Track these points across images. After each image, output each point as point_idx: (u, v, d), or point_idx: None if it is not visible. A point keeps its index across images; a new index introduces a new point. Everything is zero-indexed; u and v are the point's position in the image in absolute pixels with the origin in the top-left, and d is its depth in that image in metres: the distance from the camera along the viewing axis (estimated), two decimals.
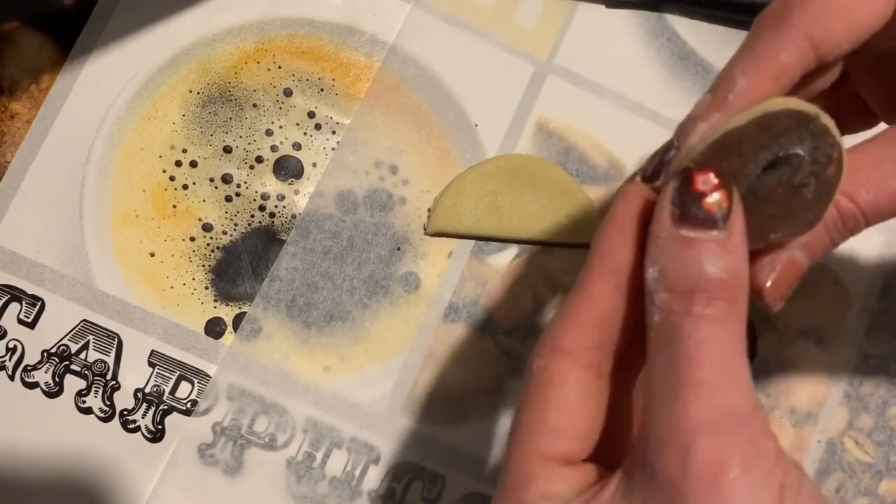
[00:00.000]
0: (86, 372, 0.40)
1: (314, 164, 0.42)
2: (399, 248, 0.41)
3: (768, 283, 0.23)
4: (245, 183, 0.41)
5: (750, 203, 0.22)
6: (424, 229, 0.41)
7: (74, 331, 0.40)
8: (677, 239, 0.21)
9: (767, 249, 0.24)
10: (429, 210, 0.41)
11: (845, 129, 0.24)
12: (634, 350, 0.23)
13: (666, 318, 0.20)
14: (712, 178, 0.21)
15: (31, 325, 0.40)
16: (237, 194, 0.41)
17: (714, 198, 0.21)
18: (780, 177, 0.22)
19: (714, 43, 0.43)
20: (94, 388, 0.40)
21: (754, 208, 0.22)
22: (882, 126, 0.26)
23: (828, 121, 0.23)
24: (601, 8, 0.43)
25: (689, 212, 0.21)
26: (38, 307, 0.40)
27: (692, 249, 0.21)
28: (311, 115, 0.42)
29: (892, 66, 0.26)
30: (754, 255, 0.24)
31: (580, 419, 0.22)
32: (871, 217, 0.24)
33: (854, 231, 0.24)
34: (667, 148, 0.24)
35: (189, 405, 0.40)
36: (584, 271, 0.23)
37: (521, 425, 0.22)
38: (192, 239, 0.41)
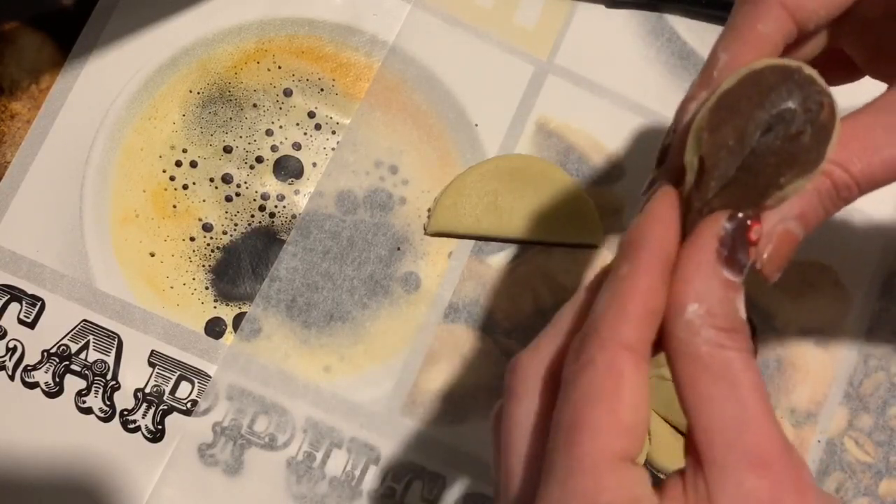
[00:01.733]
0: (86, 372, 0.40)
1: (314, 164, 0.42)
2: (399, 248, 0.41)
3: (765, 255, 0.23)
4: (245, 183, 0.41)
5: (752, 161, 0.23)
6: (424, 229, 0.41)
7: (74, 331, 0.40)
8: (723, 281, 0.21)
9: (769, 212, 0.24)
10: (429, 210, 0.41)
11: (830, 82, 0.24)
12: None
13: (718, 353, 0.21)
14: (759, 231, 0.22)
15: (31, 325, 0.40)
16: (237, 194, 0.41)
17: (756, 250, 0.22)
18: (777, 133, 0.23)
19: (714, 43, 0.43)
20: (94, 388, 0.40)
21: (758, 163, 0.23)
22: (871, 93, 0.26)
23: (810, 70, 0.23)
24: (601, 8, 0.43)
25: (737, 258, 0.21)
26: (38, 307, 0.40)
27: (736, 293, 0.21)
28: (311, 115, 0.42)
29: (876, 31, 0.26)
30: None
31: (646, 416, 0.21)
32: (865, 185, 0.23)
33: (847, 200, 0.24)
34: (667, 133, 0.24)
35: (189, 405, 0.40)
36: (629, 263, 0.22)
37: (584, 425, 0.20)
38: (192, 239, 0.41)
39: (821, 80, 0.23)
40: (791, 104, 0.23)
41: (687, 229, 0.23)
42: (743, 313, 0.21)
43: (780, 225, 0.23)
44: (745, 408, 0.20)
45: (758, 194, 0.23)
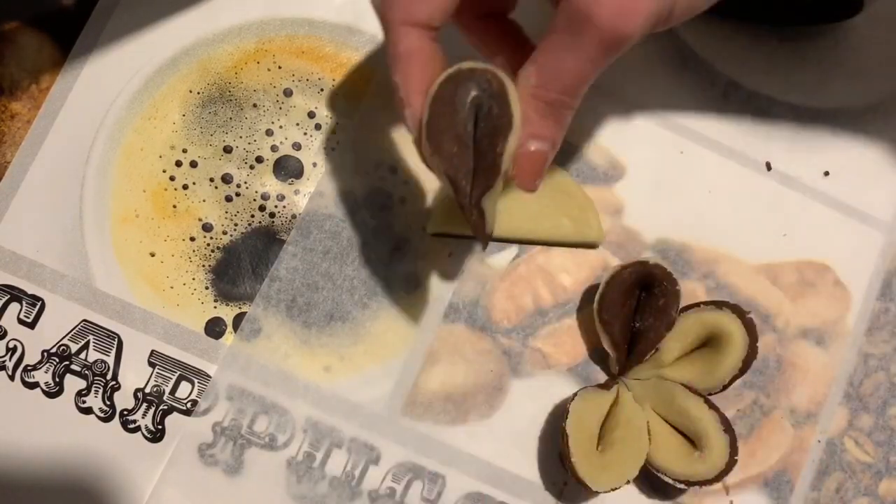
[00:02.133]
0: (86, 372, 0.40)
1: (314, 164, 0.41)
2: (399, 249, 0.41)
3: (515, 175, 0.29)
4: (245, 183, 0.41)
5: (476, 152, 0.29)
6: (424, 229, 0.41)
7: (74, 331, 0.39)
8: None
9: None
10: (429, 210, 0.41)
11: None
12: None
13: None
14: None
15: (31, 325, 0.39)
16: (237, 194, 0.41)
17: None
18: (480, 121, 0.29)
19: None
20: (94, 388, 0.39)
21: (480, 149, 0.29)
22: None
23: (467, 64, 0.29)
24: None
25: None
26: (38, 307, 0.40)
27: None
28: (311, 115, 0.42)
29: None
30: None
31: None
32: (572, 99, 0.28)
33: (570, 107, 0.29)
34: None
35: (189, 405, 0.39)
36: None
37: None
38: (192, 239, 0.41)
39: (478, 64, 0.29)
40: (473, 93, 0.28)
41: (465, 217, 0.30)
42: None
43: (520, 148, 0.29)
44: None
45: (494, 168, 0.29)
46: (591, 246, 0.41)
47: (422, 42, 0.28)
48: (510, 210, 0.40)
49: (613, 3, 0.26)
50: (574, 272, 0.41)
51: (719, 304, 0.37)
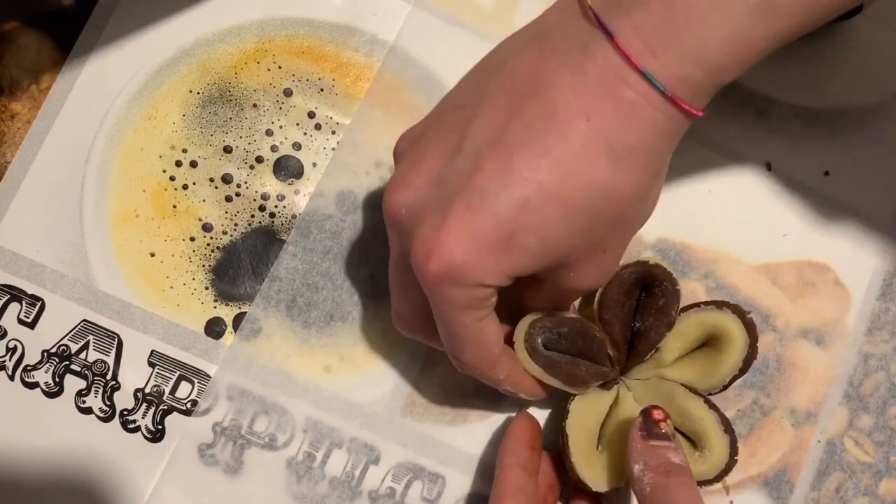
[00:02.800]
0: (86, 372, 0.39)
1: (314, 164, 0.41)
2: None
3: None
4: (245, 183, 0.41)
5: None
6: None
7: (74, 331, 0.39)
8: (650, 446, 0.33)
9: None
10: None
11: None
12: None
13: (656, 488, 0.32)
14: (661, 413, 0.34)
15: (31, 325, 0.39)
16: (237, 194, 0.41)
17: (667, 425, 0.34)
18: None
19: None
20: (94, 388, 0.39)
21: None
22: None
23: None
24: None
25: (654, 432, 0.34)
26: (38, 307, 0.39)
27: (662, 450, 0.33)
28: (311, 115, 0.41)
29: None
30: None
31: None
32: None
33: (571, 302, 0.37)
34: None
35: (189, 405, 0.39)
36: (500, 468, 0.36)
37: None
38: (192, 239, 0.40)
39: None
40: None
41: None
42: (676, 459, 0.33)
43: None
44: None
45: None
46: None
47: (507, 356, 0.35)
48: None
49: (599, 276, 0.33)
50: None
51: (720, 305, 0.37)
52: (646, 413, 0.34)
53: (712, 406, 0.37)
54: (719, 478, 0.36)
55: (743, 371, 0.37)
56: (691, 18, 0.28)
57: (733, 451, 0.36)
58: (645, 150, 0.30)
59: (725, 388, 0.37)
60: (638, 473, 0.33)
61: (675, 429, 0.37)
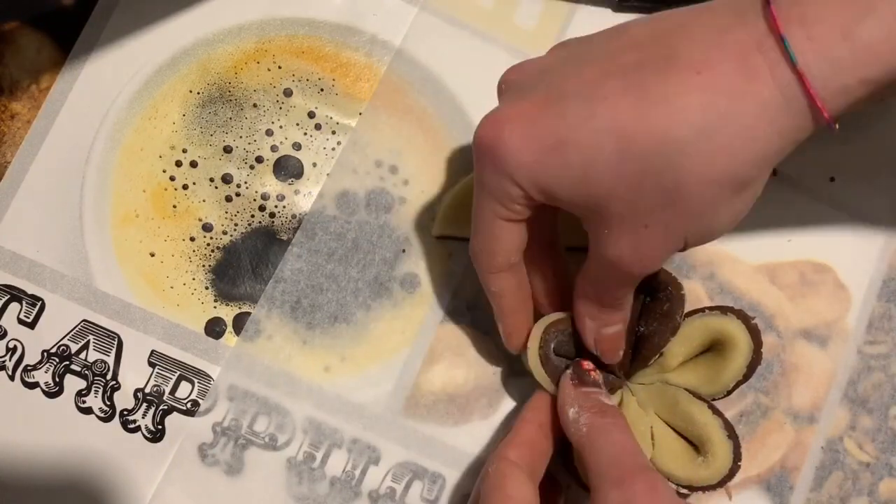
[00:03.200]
0: (86, 372, 0.39)
1: (314, 164, 0.41)
2: (404, 251, 0.41)
3: (600, 354, 0.35)
4: (245, 183, 0.41)
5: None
6: (430, 231, 0.41)
7: (74, 331, 0.39)
8: (583, 391, 0.34)
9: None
10: (434, 212, 0.41)
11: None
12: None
13: (592, 429, 0.33)
14: (590, 364, 0.35)
15: (31, 325, 0.39)
16: (237, 194, 0.41)
17: (596, 374, 0.35)
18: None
19: None
20: (94, 388, 0.39)
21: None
22: None
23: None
24: (607, 11, 0.43)
25: (584, 380, 0.35)
26: (38, 307, 0.39)
27: (594, 394, 0.34)
28: (311, 115, 0.41)
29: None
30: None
31: (528, 495, 0.32)
32: (617, 300, 0.34)
33: (623, 303, 0.34)
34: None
35: (189, 405, 0.39)
36: (519, 419, 0.36)
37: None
38: (192, 239, 0.40)
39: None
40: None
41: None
42: (608, 401, 0.34)
43: (594, 338, 0.35)
44: (611, 453, 0.32)
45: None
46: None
47: (508, 281, 0.34)
48: None
49: (635, 260, 0.30)
50: (574, 272, 0.41)
51: (724, 310, 0.37)
52: (576, 364, 0.35)
53: (716, 411, 0.36)
54: (722, 483, 0.36)
55: (747, 377, 0.37)
56: None
57: (737, 456, 0.36)
58: (742, 132, 0.27)
59: (729, 393, 0.37)
60: (573, 416, 0.33)
61: (679, 434, 0.37)
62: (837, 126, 0.27)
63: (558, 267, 0.36)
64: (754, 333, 0.37)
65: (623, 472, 0.31)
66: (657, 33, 0.29)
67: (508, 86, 0.33)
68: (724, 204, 0.29)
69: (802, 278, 0.41)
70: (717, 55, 0.27)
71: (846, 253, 0.41)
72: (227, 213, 0.40)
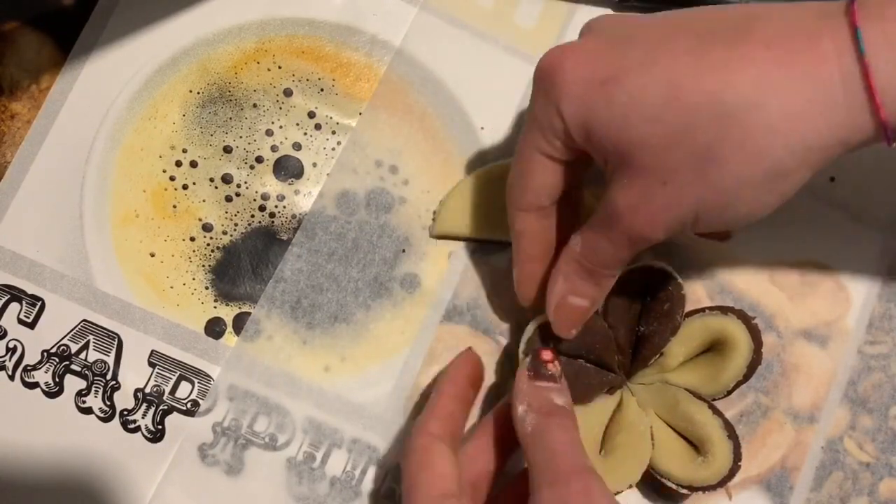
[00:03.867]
0: (86, 372, 0.39)
1: (314, 164, 0.41)
2: (404, 251, 0.40)
3: (552, 321, 0.35)
4: (245, 183, 0.41)
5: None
6: (429, 231, 0.40)
7: (74, 331, 0.39)
8: (536, 388, 0.33)
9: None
10: (434, 213, 0.41)
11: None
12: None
13: (536, 428, 0.32)
14: (549, 355, 0.34)
15: (31, 325, 0.39)
16: (237, 194, 0.40)
17: (554, 366, 0.34)
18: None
19: None
20: (94, 388, 0.39)
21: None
22: None
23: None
24: (607, 11, 0.43)
25: (541, 373, 0.33)
26: (38, 307, 0.39)
27: (549, 392, 0.33)
28: (312, 115, 0.41)
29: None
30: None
31: (453, 469, 0.33)
32: (606, 269, 0.33)
33: (608, 276, 0.33)
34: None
35: (189, 405, 0.39)
36: (437, 392, 0.35)
37: (418, 480, 0.32)
38: (192, 239, 0.40)
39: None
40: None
41: None
42: (559, 400, 0.33)
43: (556, 302, 0.34)
44: (550, 453, 0.31)
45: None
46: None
47: (534, 223, 0.34)
48: None
49: (640, 215, 0.29)
50: None
51: (724, 310, 0.37)
52: (535, 353, 0.34)
53: (716, 411, 0.36)
54: (722, 483, 0.36)
55: (747, 377, 0.36)
56: None
57: (737, 456, 0.36)
58: (791, 114, 0.26)
59: (729, 393, 0.37)
60: (521, 414, 0.33)
61: (679, 434, 0.37)
62: (893, 140, 0.27)
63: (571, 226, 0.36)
64: (754, 333, 0.36)
65: (559, 472, 0.31)
66: (742, 13, 0.29)
67: (590, 29, 0.33)
68: (748, 187, 0.28)
69: (802, 278, 0.41)
70: (789, 35, 0.27)
71: (846, 253, 0.41)
72: (227, 213, 0.40)
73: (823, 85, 0.26)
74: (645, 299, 0.37)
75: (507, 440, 0.35)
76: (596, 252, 0.32)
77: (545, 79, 0.31)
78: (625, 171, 0.29)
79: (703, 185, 0.28)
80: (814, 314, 0.41)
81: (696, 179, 0.28)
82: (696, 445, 0.36)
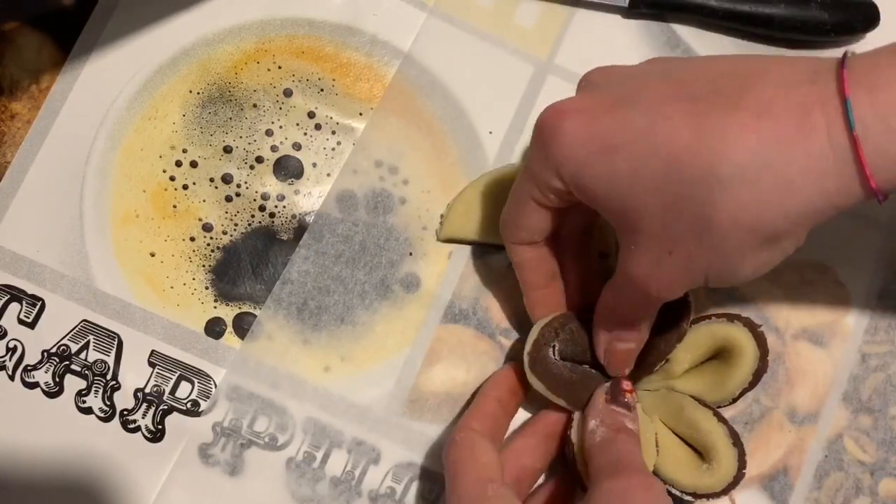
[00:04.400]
0: (86, 372, 0.39)
1: (314, 165, 0.41)
2: (411, 254, 0.40)
3: (605, 364, 0.36)
4: (245, 183, 0.40)
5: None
6: (436, 235, 0.40)
7: (74, 331, 0.39)
8: (610, 409, 0.35)
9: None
10: (441, 216, 0.40)
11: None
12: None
13: (604, 439, 0.34)
14: (629, 385, 0.36)
15: (32, 325, 0.38)
16: (237, 194, 0.40)
17: (632, 396, 0.35)
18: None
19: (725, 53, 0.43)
20: (94, 388, 0.39)
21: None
22: None
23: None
24: (606, 15, 0.43)
25: (618, 399, 0.35)
26: (38, 307, 0.39)
27: (619, 415, 0.35)
28: (311, 115, 0.41)
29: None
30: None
31: (494, 458, 0.34)
32: (637, 320, 0.34)
33: (643, 322, 0.34)
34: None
35: (189, 405, 0.38)
36: (480, 394, 0.38)
37: (461, 468, 0.34)
38: (192, 239, 0.40)
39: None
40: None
41: None
42: (630, 425, 0.35)
43: (604, 349, 0.36)
44: (615, 455, 0.33)
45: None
46: (601, 255, 0.40)
47: (528, 254, 0.35)
48: None
49: (653, 282, 0.30)
50: None
51: (731, 317, 0.37)
52: (615, 381, 0.36)
53: (721, 419, 0.36)
54: (726, 491, 0.35)
55: (753, 384, 0.36)
56: None
57: (741, 464, 0.35)
58: (784, 184, 0.27)
59: (735, 401, 0.37)
60: (592, 427, 0.34)
61: (684, 441, 0.37)
62: (885, 200, 0.27)
63: (583, 263, 0.37)
64: (760, 341, 0.36)
65: (621, 468, 0.32)
66: (738, 72, 0.29)
67: (588, 83, 0.33)
68: (749, 251, 0.29)
69: (802, 278, 0.41)
70: (781, 105, 0.27)
71: (846, 253, 0.41)
72: (227, 213, 0.40)
73: (815, 156, 0.27)
74: None
75: (553, 443, 0.37)
76: (623, 308, 0.34)
77: (544, 138, 0.31)
78: (631, 236, 0.30)
79: (706, 253, 0.29)
80: (814, 314, 0.41)
81: (699, 247, 0.29)
82: (700, 452, 0.36)
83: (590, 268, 0.37)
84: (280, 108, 0.40)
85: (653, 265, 0.30)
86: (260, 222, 0.39)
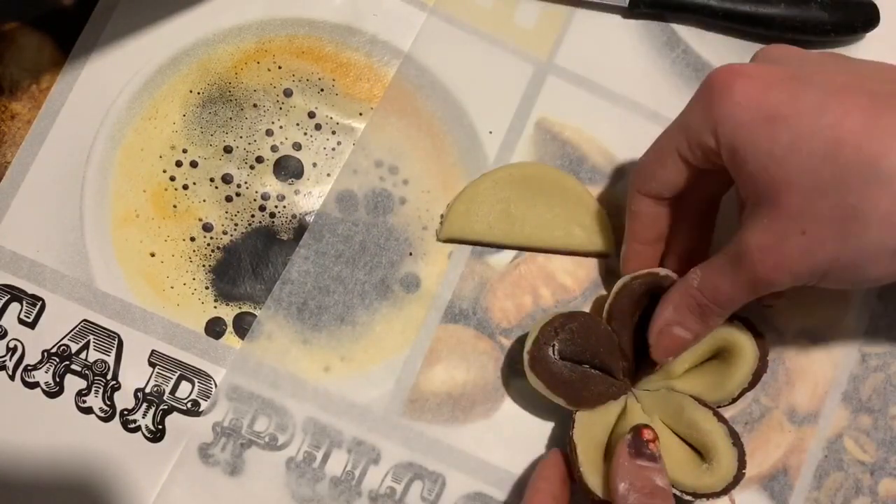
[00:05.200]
0: (86, 372, 0.39)
1: (314, 165, 0.41)
2: (411, 254, 0.40)
3: (652, 349, 0.35)
4: (245, 183, 0.40)
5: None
6: (436, 235, 0.40)
7: (75, 331, 0.38)
8: (637, 466, 0.34)
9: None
10: (441, 216, 0.40)
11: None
12: None
13: None
14: (651, 434, 0.34)
15: (32, 325, 0.38)
16: (237, 194, 0.40)
17: (655, 445, 0.34)
18: None
19: (731, 57, 0.41)
20: (94, 388, 0.38)
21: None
22: None
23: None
24: (605, 14, 0.43)
25: (642, 451, 0.34)
26: (38, 307, 0.38)
27: (651, 472, 0.34)
28: (312, 115, 0.40)
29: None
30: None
31: None
32: (719, 308, 0.33)
33: (719, 314, 0.33)
34: None
35: (189, 405, 0.38)
36: (532, 490, 0.36)
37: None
38: (193, 239, 0.40)
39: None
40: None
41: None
42: (660, 482, 0.33)
43: (667, 327, 0.34)
44: None
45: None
46: (602, 255, 0.40)
47: (648, 208, 0.35)
48: (523, 218, 0.39)
49: (771, 258, 0.29)
50: (574, 272, 0.40)
51: (731, 318, 0.37)
52: (636, 431, 0.34)
53: (721, 419, 0.36)
54: (726, 490, 0.35)
55: (752, 385, 0.36)
56: None
57: (741, 464, 0.35)
58: None
59: (734, 401, 0.37)
60: (623, 492, 0.33)
61: (684, 440, 0.37)
62: None
63: (695, 234, 0.37)
64: (760, 341, 0.36)
65: None
66: None
67: (765, 55, 0.33)
68: (885, 254, 0.28)
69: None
70: None
71: None
72: (227, 213, 0.40)
73: None
74: (648, 306, 0.37)
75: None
76: (713, 290, 0.32)
77: (712, 93, 0.31)
78: (766, 210, 0.30)
79: (841, 242, 0.28)
80: (814, 314, 0.41)
81: (835, 235, 0.28)
82: (700, 452, 0.36)
83: (703, 242, 0.37)
84: (280, 108, 0.40)
85: (779, 240, 0.29)
86: (260, 222, 0.39)
